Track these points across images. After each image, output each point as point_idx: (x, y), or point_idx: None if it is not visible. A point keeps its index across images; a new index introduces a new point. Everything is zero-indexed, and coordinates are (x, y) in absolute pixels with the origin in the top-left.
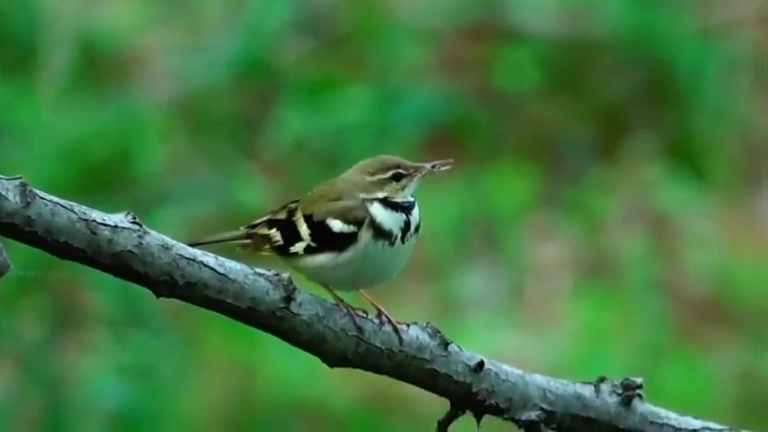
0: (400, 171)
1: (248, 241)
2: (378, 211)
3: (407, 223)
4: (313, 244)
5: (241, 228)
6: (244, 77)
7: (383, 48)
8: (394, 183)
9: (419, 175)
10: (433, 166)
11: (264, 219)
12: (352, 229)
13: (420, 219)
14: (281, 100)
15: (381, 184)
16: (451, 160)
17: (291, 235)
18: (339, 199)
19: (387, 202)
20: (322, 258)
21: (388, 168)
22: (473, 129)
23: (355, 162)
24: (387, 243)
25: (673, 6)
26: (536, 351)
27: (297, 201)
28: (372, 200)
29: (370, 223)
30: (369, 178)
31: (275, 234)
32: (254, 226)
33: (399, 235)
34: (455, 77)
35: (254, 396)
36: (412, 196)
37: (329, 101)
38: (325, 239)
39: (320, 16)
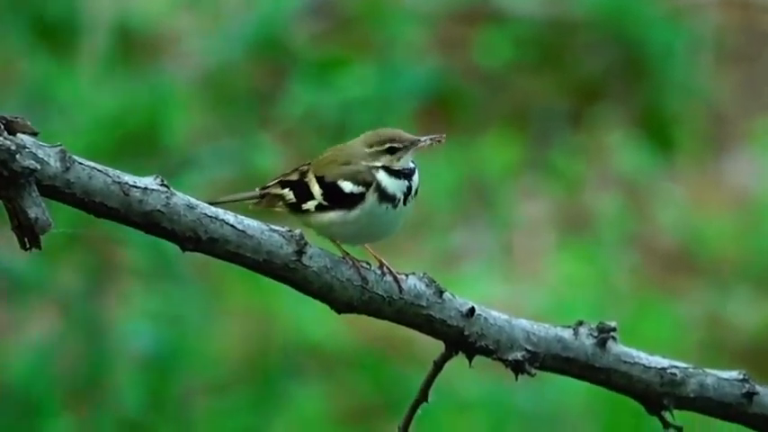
0: (394, 145)
1: (259, 200)
2: (383, 177)
3: (409, 188)
4: (324, 202)
5: (256, 188)
6: (259, 56)
7: (385, 29)
8: (388, 155)
9: (413, 147)
10: (426, 140)
11: (277, 180)
12: (361, 189)
13: (419, 183)
14: (292, 76)
15: (378, 155)
16: (444, 135)
17: (304, 194)
18: (348, 164)
19: (390, 170)
20: (332, 215)
21: (384, 141)
22: (464, 101)
23: (357, 132)
24: (390, 206)
25: None
26: (522, 299)
27: (307, 164)
28: (377, 167)
29: (377, 187)
30: (367, 150)
31: (288, 193)
32: (267, 187)
33: (401, 198)
34: (448, 56)
35: (271, 339)
36: (413, 162)
37: (336, 77)
38: (335, 199)
39: (329, 0)
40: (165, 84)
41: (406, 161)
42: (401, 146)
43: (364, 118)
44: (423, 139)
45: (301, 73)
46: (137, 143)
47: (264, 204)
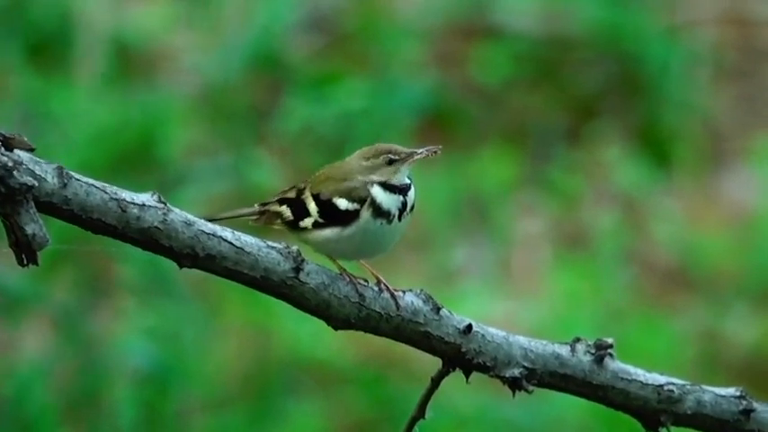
0: (392, 156)
1: (258, 217)
2: (378, 193)
3: (404, 204)
4: (320, 220)
5: (255, 205)
6: (256, 72)
7: (383, 45)
8: (387, 167)
9: (410, 160)
10: (423, 152)
11: (276, 197)
12: (355, 206)
13: (415, 199)
14: (289, 91)
15: (375, 168)
16: (440, 146)
17: (301, 211)
18: (343, 180)
19: (386, 185)
20: (328, 232)
21: (381, 154)
22: (461, 117)
23: (355, 146)
24: (385, 221)
25: (641, 6)
26: (520, 316)
27: (305, 181)
28: (372, 182)
29: (371, 203)
30: (365, 163)
31: (286, 210)
32: (267, 203)
33: (396, 214)
34: (446, 71)
35: (269, 356)
36: (408, 178)
37: (332, 92)
38: (331, 216)
39: (327, 16)
40: (162, 99)
41: (403, 174)
42: (398, 157)
43: (361, 132)
44: (419, 150)
45: (297, 87)
46: (133, 159)
47: (263, 221)
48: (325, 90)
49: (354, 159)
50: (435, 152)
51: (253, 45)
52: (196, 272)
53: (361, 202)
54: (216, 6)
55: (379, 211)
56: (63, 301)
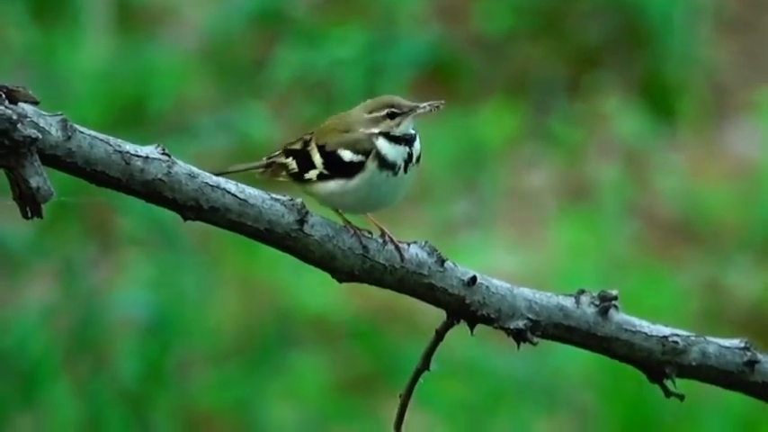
0: (394, 110)
1: (265, 169)
2: (383, 144)
3: (410, 155)
4: (325, 171)
5: (264, 158)
6: (257, 25)
7: None
8: (389, 120)
9: (413, 114)
10: (426, 106)
11: (282, 149)
12: (360, 158)
13: (421, 150)
14: (284, 41)
15: (377, 121)
16: (443, 101)
17: (306, 163)
18: (347, 132)
19: (390, 137)
20: (333, 185)
21: (384, 107)
22: (462, 70)
23: (350, 98)
24: (391, 173)
25: None
26: (524, 268)
27: (311, 133)
28: (376, 134)
29: (376, 155)
30: (367, 116)
31: (291, 162)
32: (273, 156)
33: (402, 165)
34: (447, 24)
35: (270, 309)
36: (413, 129)
37: (327, 40)
38: (335, 167)
39: None
40: (163, 54)
41: (406, 127)
42: (401, 111)
43: (356, 84)
44: (422, 105)
45: (292, 37)
46: (134, 113)
47: (270, 174)
48: (318, 39)
49: (357, 111)
50: (438, 107)
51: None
52: (199, 225)
53: (366, 153)
54: None
55: (384, 163)
56: (65, 254)
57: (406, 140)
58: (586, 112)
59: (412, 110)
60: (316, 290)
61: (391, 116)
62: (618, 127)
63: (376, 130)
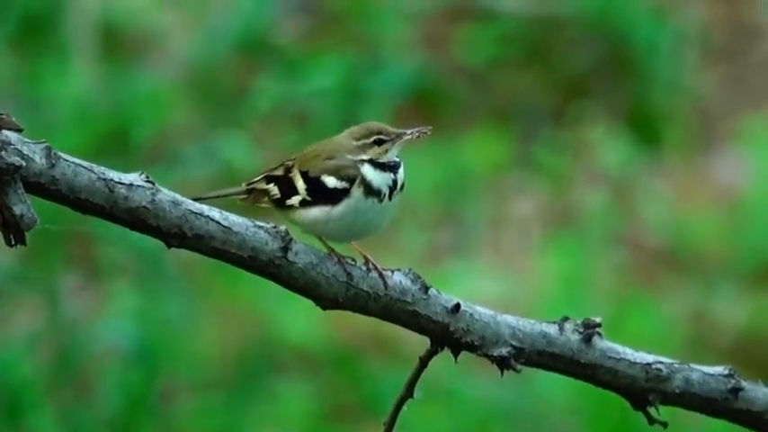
0: (381, 137)
1: (246, 196)
2: (368, 171)
3: (395, 182)
4: (308, 198)
5: (243, 184)
6: (240, 53)
7: (371, 26)
8: (376, 147)
9: (400, 140)
10: (413, 133)
11: (263, 175)
12: (344, 185)
13: (405, 177)
14: (268, 71)
15: (365, 148)
16: (430, 127)
17: (288, 189)
18: (332, 158)
19: (375, 164)
20: (316, 211)
21: (371, 134)
22: (448, 98)
23: (331, 125)
24: (376, 200)
25: None
26: (509, 296)
27: (293, 159)
28: (362, 161)
29: (362, 181)
30: (354, 142)
31: (273, 188)
32: (253, 182)
33: (387, 193)
34: (434, 52)
35: (255, 337)
36: (397, 157)
37: (307, 70)
38: (319, 194)
39: None
40: (147, 81)
41: (392, 154)
42: (388, 138)
43: (335, 111)
44: (409, 131)
45: (275, 65)
46: (118, 141)
47: (251, 200)
48: (300, 68)
49: (343, 138)
50: (425, 133)
51: (236, 27)
52: (184, 252)
53: (351, 180)
54: None
55: (370, 190)
56: (49, 283)
57: (391, 167)
58: (572, 141)
59: (399, 136)
60: (300, 317)
61: (378, 143)
62: (604, 155)
63: (364, 157)
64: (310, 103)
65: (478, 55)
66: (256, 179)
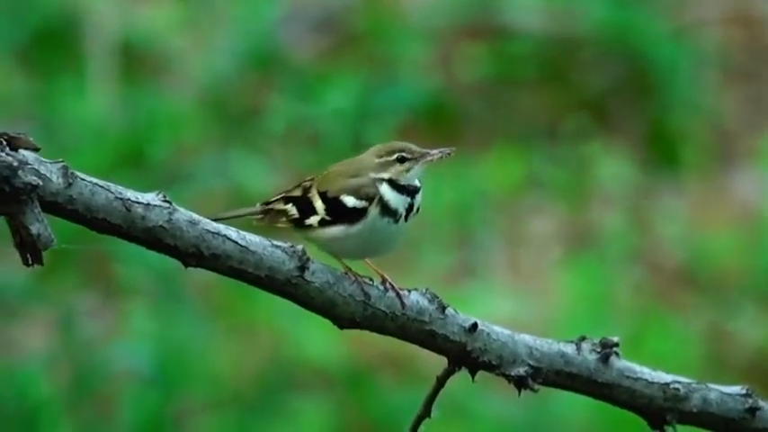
0: (404, 155)
1: (262, 216)
2: (386, 191)
3: (411, 205)
4: (327, 217)
5: (258, 204)
6: (256, 72)
7: (390, 45)
8: (398, 165)
9: (423, 160)
10: (437, 153)
11: (280, 196)
12: (363, 204)
13: (421, 202)
14: (282, 90)
15: (387, 166)
16: (454, 148)
17: (307, 209)
18: (352, 177)
19: (394, 184)
20: (334, 230)
21: (394, 152)
22: (466, 117)
23: (347, 146)
24: (392, 220)
25: (649, 7)
26: (528, 315)
27: (310, 179)
28: (381, 180)
29: (379, 201)
30: (377, 160)
31: (291, 208)
32: (270, 202)
33: (403, 214)
34: (452, 72)
35: (273, 356)
36: (419, 181)
37: (321, 90)
38: (338, 213)
39: (335, 17)
40: (164, 101)
41: (414, 175)
42: (411, 156)
43: (349, 131)
44: (433, 152)
45: (290, 86)
46: (135, 159)
47: (268, 220)
48: (316, 90)
49: (367, 156)
50: (449, 154)
51: (249, 47)
52: (201, 272)
53: (369, 199)
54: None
55: (386, 210)
56: (65, 302)
57: (410, 191)
58: (589, 160)
59: (422, 156)
60: (317, 336)
61: (401, 160)
62: (621, 174)
63: (385, 176)
64: (324, 123)
65: (494, 74)
66: (273, 200)
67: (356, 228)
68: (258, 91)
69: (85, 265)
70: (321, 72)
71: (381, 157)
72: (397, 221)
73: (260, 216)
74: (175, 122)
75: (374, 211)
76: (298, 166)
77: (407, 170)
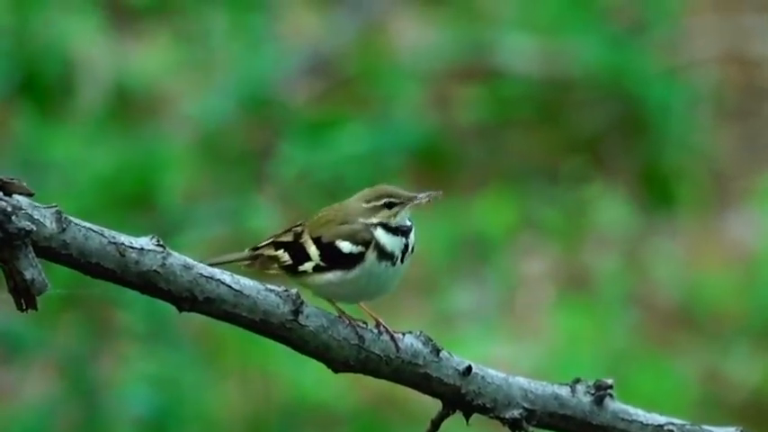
0: (392, 200)
1: (251, 262)
2: (381, 235)
3: (406, 246)
4: (322, 263)
5: (246, 250)
6: (253, 116)
7: (383, 88)
8: (386, 210)
9: (410, 204)
10: (425, 197)
11: (269, 241)
12: (359, 249)
13: (415, 241)
14: (286, 135)
15: (375, 211)
16: (441, 191)
17: (300, 255)
18: (344, 223)
19: (388, 227)
20: (330, 276)
21: (382, 197)
22: (459, 159)
23: (352, 191)
24: (389, 263)
25: (642, 47)
26: (522, 357)
27: (300, 224)
28: (374, 225)
29: (376, 245)
30: (365, 205)
31: (283, 255)
32: (258, 248)
33: (400, 256)
34: (445, 113)
35: (269, 399)
36: (409, 220)
37: (330, 136)
38: (333, 259)
39: (328, 61)
40: (160, 144)
41: (403, 218)
42: (398, 201)
43: (359, 176)
44: (420, 195)
45: (294, 132)
46: (131, 204)
47: (258, 266)
48: (322, 135)
49: (355, 201)
50: (436, 197)
51: (246, 90)
52: (196, 315)
53: (365, 244)
54: (212, 51)
55: (383, 254)
56: (64, 347)
57: (403, 231)
58: (583, 201)
59: (410, 200)
60: (314, 378)
61: (389, 206)
62: (615, 215)
63: (374, 221)
64: (340, 168)
65: (489, 115)
66: (262, 244)
67: (353, 273)
68: (255, 134)
69: (82, 309)
70: (320, 116)
71: (369, 202)
72: (394, 264)
73: (248, 262)
74: (171, 164)
75: (371, 255)
76: (309, 212)
77: (395, 215)
